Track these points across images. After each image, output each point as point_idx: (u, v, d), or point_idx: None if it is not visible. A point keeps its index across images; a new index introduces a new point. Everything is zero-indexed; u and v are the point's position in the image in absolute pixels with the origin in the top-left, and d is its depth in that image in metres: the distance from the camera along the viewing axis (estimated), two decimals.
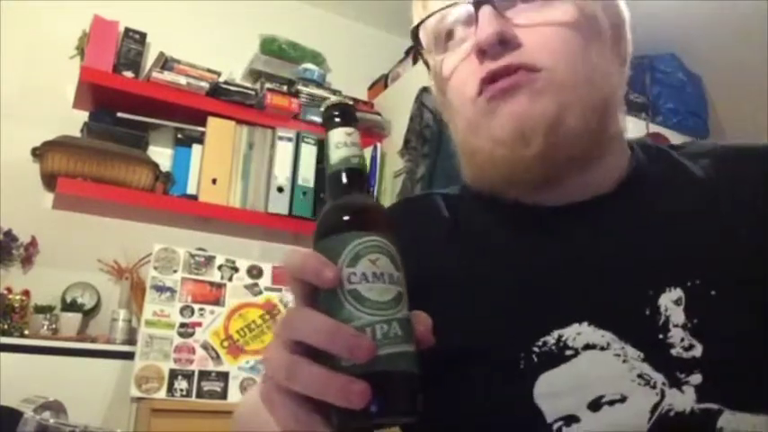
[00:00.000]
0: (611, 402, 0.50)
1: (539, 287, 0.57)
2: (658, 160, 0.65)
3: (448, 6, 0.63)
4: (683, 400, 0.49)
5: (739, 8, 2.60)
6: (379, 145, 2.43)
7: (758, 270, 0.54)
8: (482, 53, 0.59)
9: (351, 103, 0.52)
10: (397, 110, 2.44)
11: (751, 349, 0.51)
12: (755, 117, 3.34)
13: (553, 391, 0.52)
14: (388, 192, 2.40)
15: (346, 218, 0.47)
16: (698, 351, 0.51)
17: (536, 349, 0.53)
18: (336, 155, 0.50)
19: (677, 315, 0.52)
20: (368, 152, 2.41)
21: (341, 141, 0.50)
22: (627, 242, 0.57)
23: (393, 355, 0.42)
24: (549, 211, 0.62)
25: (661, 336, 0.52)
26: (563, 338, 0.53)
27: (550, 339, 0.53)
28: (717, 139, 3.49)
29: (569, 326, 0.53)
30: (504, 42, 0.58)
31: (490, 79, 0.59)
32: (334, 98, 0.52)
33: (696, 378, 0.50)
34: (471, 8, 0.60)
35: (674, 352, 0.51)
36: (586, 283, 0.56)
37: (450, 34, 0.65)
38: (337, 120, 0.50)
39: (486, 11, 0.59)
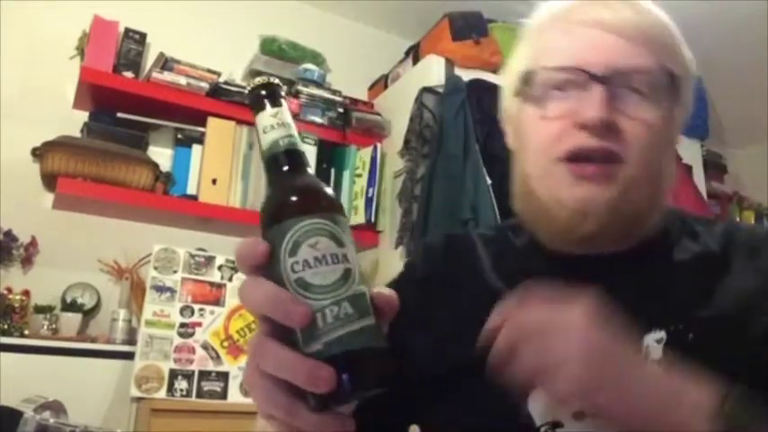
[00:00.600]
0: (593, 415, 0.58)
1: None
2: (681, 229, 0.73)
3: (570, 68, 0.66)
4: None
5: (739, 8, 2.60)
6: (379, 145, 2.43)
7: (737, 331, 0.63)
8: (584, 127, 0.64)
9: (274, 81, 0.50)
10: (397, 110, 2.44)
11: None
12: (755, 117, 3.34)
13: (544, 402, 0.61)
14: (387, 192, 2.40)
15: (280, 206, 0.47)
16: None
17: None
18: (265, 140, 0.49)
19: (656, 351, 0.62)
20: (368, 152, 2.41)
21: (268, 125, 0.49)
22: (631, 290, 0.65)
23: (348, 335, 0.43)
24: (574, 258, 0.70)
25: None
26: None
27: None
28: (716, 140, 3.50)
29: None
30: (607, 126, 0.64)
31: (577, 156, 0.65)
32: (258, 79, 0.50)
33: None
34: (587, 78, 0.65)
35: None
36: None
37: (562, 84, 0.68)
38: (263, 102, 0.49)
39: (599, 91, 0.64)
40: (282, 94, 0.50)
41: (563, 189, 0.66)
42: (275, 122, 0.49)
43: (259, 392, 0.44)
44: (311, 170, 0.50)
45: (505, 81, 0.77)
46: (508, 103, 0.76)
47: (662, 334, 0.62)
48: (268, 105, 0.49)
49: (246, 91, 0.50)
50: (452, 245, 0.80)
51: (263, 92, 0.49)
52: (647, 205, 0.68)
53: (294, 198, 0.47)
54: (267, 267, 0.45)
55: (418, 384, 0.71)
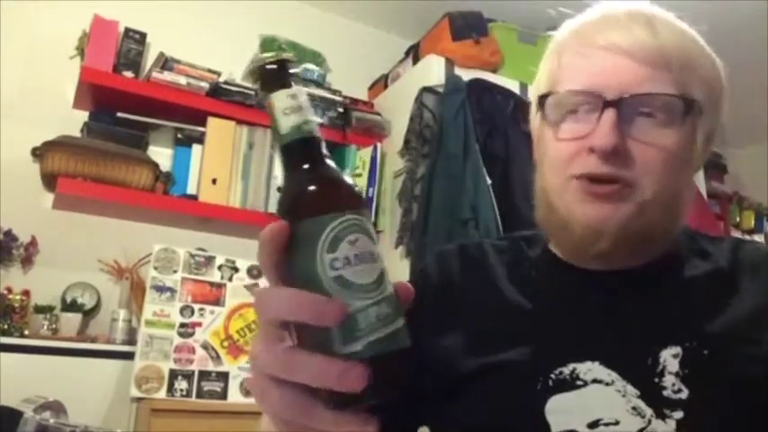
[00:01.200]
0: (607, 424, 0.62)
1: (567, 329, 0.69)
2: (690, 247, 0.75)
3: (582, 92, 0.68)
4: (665, 427, 0.61)
5: (739, 8, 2.60)
6: (379, 145, 2.43)
7: (749, 348, 0.64)
8: (592, 152, 0.66)
9: (285, 56, 0.46)
10: (397, 110, 2.44)
11: (730, 397, 0.62)
12: (755, 117, 3.34)
13: (561, 410, 0.63)
14: (387, 192, 2.40)
15: (317, 198, 0.43)
16: (684, 395, 0.62)
17: (552, 376, 0.65)
18: (286, 123, 0.45)
19: (672, 365, 0.64)
20: (368, 152, 2.41)
21: (288, 107, 0.45)
22: (646, 306, 0.69)
23: (388, 336, 0.42)
24: (590, 273, 0.73)
25: (656, 380, 0.63)
26: (576, 371, 0.65)
27: (566, 370, 0.65)
28: (717, 140, 3.51)
29: (584, 362, 0.65)
30: (616, 153, 0.65)
31: (590, 178, 0.66)
32: (262, 55, 0.46)
33: (678, 414, 0.61)
34: (599, 102, 0.66)
35: (665, 393, 0.63)
36: (605, 332, 0.68)
37: (572, 109, 0.69)
38: (278, 81, 0.45)
39: (610, 115, 0.65)
40: (294, 72, 0.46)
41: (577, 206, 0.68)
42: (295, 104, 0.45)
43: (276, 400, 0.43)
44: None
45: (531, 95, 0.79)
46: (533, 117, 0.78)
47: (678, 349, 0.64)
48: (285, 84, 0.45)
49: (251, 68, 0.47)
50: (465, 254, 0.81)
51: (278, 69, 0.45)
52: (661, 226, 0.69)
53: (331, 191, 0.44)
54: (292, 263, 0.43)
55: (431, 387, 0.71)
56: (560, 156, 0.69)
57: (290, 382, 0.41)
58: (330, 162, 0.46)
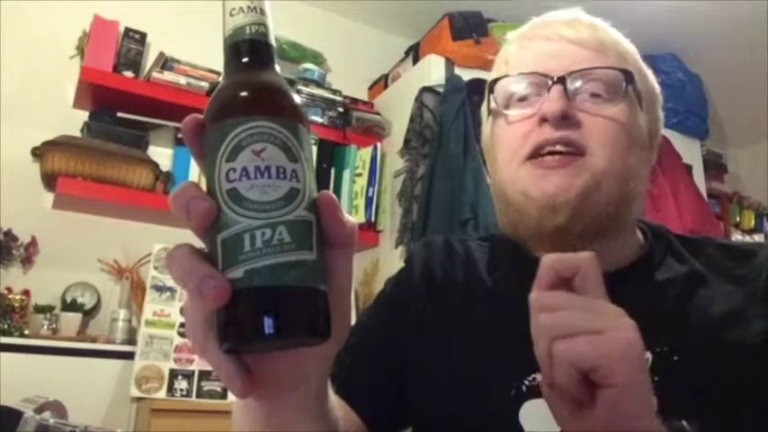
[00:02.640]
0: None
1: None
2: (665, 250, 0.74)
3: (530, 73, 0.71)
4: None
5: (739, 9, 2.60)
6: (379, 145, 2.43)
7: (724, 352, 0.64)
8: (544, 121, 0.68)
9: None
10: (397, 110, 2.44)
11: (700, 405, 0.60)
12: (755, 117, 3.34)
13: (534, 414, 0.64)
14: (387, 192, 2.40)
15: (229, 102, 0.39)
16: (653, 402, 0.59)
17: (526, 382, 0.65)
18: (231, 24, 0.41)
19: None
20: (368, 152, 2.41)
21: (236, 6, 0.41)
22: None
23: (277, 266, 0.36)
24: None
25: None
26: None
27: (539, 376, 0.63)
28: (716, 140, 3.50)
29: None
30: (566, 118, 0.67)
31: (541, 150, 0.67)
32: None
33: None
34: (546, 81, 0.69)
35: None
36: None
37: (522, 98, 0.72)
38: None
39: (558, 88, 0.68)
40: None
41: (531, 185, 0.68)
42: (246, 5, 0.41)
43: (186, 317, 0.40)
44: (278, 69, 0.42)
45: (482, 111, 0.81)
46: (485, 131, 0.80)
47: (648, 355, 0.63)
48: None
49: None
50: (451, 250, 0.81)
51: None
52: (615, 205, 0.68)
53: (245, 94, 0.39)
54: (203, 171, 0.39)
55: (412, 384, 0.72)
56: (513, 137, 0.71)
57: (199, 311, 0.39)
58: (272, 69, 0.42)
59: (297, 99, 0.41)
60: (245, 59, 0.41)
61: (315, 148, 2.35)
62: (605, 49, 0.71)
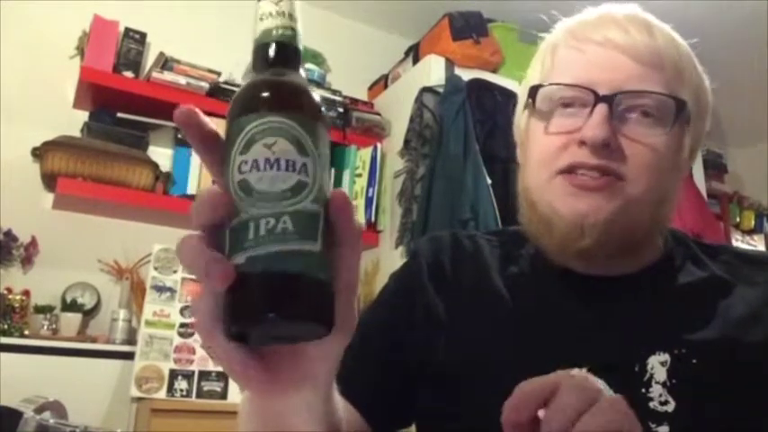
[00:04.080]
0: None
1: (554, 333, 0.67)
2: (685, 255, 0.74)
3: (575, 86, 0.67)
4: None
5: (739, 8, 2.60)
6: (379, 145, 2.43)
7: (743, 355, 0.64)
8: (584, 145, 0.65)
9: None
10: (397, 110, 2.44)
11: (718, 410, 0.60)
12: (755, 117, 3.34)
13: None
14: (387, 192, 2.40)
15: (247, 100, 0.41)
16: (671, 407, 0.60)
17: None
18: (260, 27, 0.44)
19: (660, 374, 0.62)
20: (368, 152, 2.41)
21: (266, 12, 0.43)
22: (636, 312, 0.67)
23: (279, 254, 0.37)
24: (581, 277, 0.71)
25: (643, 390, 0.62)
26: None
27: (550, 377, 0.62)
28: (716, 140, 3.50)
29: (571, 370, 0.62)
30: (607, 146, 0.64)
31: (576, 169, 0.65)
32: None
33: (664, 428, 0.60)
34: (592, 97, 0.65)
35: (651, 405, 0.61)
36: (594, 338, 0.65)
37: (569, 101, 0.68)
38: None
39: (602, 110, 0.64)
40: None
41: (561, 201, 0.66)
42: (275, 10, 0.43)
43: (194, 308, 0.41)
44: (302, 72, 0.44)
45: (519, 96, 0.77)
46: (518, 119, 0.77)
47: (666, 357, 0.63)
48: None
49: None
50: (458, 245, 0.79)
51: None
52: (646, 226, 0.67)
53: (264, 93, 0.41)
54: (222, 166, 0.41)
55: (417, 381, 0.71)
56: (548, 149, 0.68)
57: (210, 296, 0.39)
58: (296, 71, 0.43)
59: (316, 98, 0.42)
60: (267, 60, 0.43)
61: None
62: (662, 64, 0.67)
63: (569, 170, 0.66)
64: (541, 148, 0.69)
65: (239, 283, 0.37)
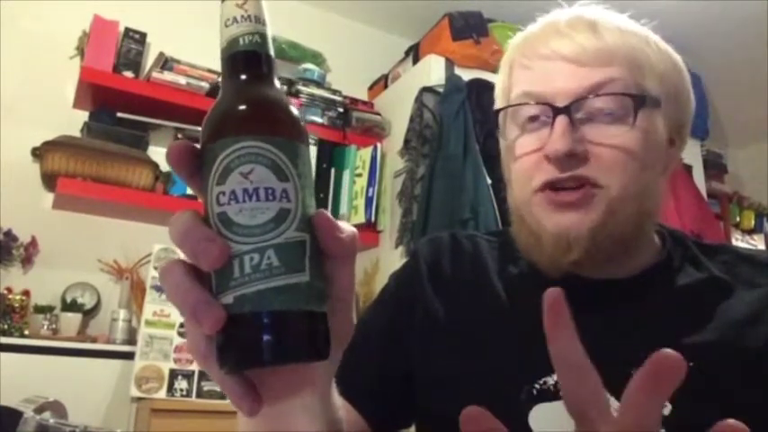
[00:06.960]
0: None
1: None
2: (683, 256, 0.73)
3: (532, 104, 0.68)
4: None
5: (739, 8, 2.60)
6: (379, 145, 2.43)
7: (741, 357, 0.63)
8: (548, 160, 0.65)
9: None
10: (397, 110, 2.44)
11: (715, 414, 0.57)
12: (755, 117, 3.34)
13: (544, 418, 0.63)
14: (387, 192, 2.40)
15: (218, 122, 0.38)
16: (667, 410, 0.59)
17: (537, 386, 0.64)
18: (225, 35, 0.39)
19: None
20: (368, 152, 2.41)
21: (230, 17, 0.39)
22: (632, 315, 0.67)
23: (267, 292, 0.35)
24: (579, 280, 0.69)
25: None
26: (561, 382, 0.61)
27: (550, 380, 0.63)
28: (716, 140, 3.50)
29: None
30: (573, 155, 0.64)
31: (552, 185, 0.65)
32: None
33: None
34: (549, 111, 0.65)
35: None
36: (591, 341, 0.62)
37: (532, 118, 0.69)
38: None
39: (562, 121, 0.64)
40: None
41: (546, 217, 0.66)
42: (239, 15, 0.39)
43: (188, 333, 0.40)
44: (277, 83, 0.40)
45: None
46: (501, 140, 0.77)
47: None
48: None
49: None
50: (458, 246, 0.79)
51: None
52: (632, 227, 0.67)
53: (233, 113, 0.38)
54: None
55: (416, 382, 0.71)
56: (523, 168, 0.69)
57: (200, 334, 0.39)
58: (270, 82, 0.40)
59: (291, 112, 0.39)
60: (237, 73, 0.39)
61: (315, 149, 2.35)
62: (611, 58, 0.66)
63: (545, 188, 0.66)
64: (517, 167, 0.70)
65: (229, 324, 0.36)
